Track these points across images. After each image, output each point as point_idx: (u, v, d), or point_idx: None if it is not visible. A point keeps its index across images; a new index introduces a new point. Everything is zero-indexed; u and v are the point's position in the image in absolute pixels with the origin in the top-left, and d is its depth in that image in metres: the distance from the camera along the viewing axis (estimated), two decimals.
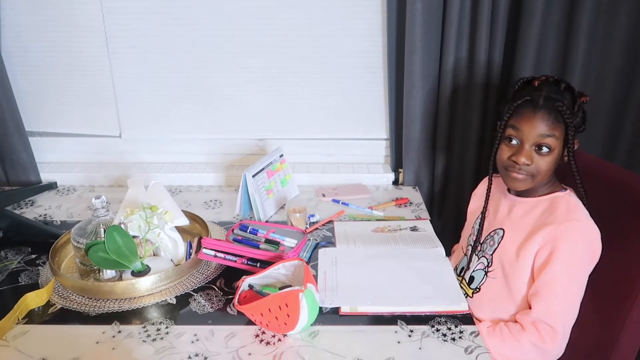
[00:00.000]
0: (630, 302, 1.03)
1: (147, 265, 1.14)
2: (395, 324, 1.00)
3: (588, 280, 1.07)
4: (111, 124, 1.78)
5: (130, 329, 1.00)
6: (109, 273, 1.14)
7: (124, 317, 1.04)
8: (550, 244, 1.04)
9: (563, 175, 1.14)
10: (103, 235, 1.11)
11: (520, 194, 1.16)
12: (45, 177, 1.73)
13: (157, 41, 1.65)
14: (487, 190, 1.21)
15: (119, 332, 1.00)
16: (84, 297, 1.10)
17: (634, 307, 1.03)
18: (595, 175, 1.17)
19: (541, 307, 1.04)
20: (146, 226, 1.10)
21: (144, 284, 1.09)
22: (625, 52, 1.47)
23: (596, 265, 1.07)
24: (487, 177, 1.21)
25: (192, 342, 0.96)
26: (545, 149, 1.04)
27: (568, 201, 1.08)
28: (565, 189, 1.12)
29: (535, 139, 1.04)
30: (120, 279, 1.13)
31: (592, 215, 1.07)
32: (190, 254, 1.22)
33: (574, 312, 1.06)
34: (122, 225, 1.12)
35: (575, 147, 1.07)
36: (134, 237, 1.13)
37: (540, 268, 1.06)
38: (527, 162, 1.05)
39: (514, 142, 1.08)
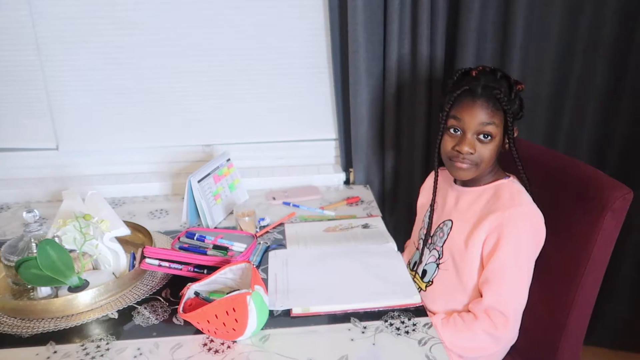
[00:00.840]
0: (576, 284, 1.05)
1: (85, 279, 1.07)
2: (349, 321, 0.98)
3: (535, 266, 1.09)
4: (47, 135, 1.68)
5: (67, 349, 0.93)
6: (44, 291, 1.06)
7: (61, 336, 0.97)
8: (496, 231, 1.05)
9: (506, 165, 1.16)
10: (36, 251, 1.04)
11: (466, 184, 1.17)
12: None
13: (93, 47, 1.58)
14: (434, 182, 1.21)
15: (55, 352, 0.93)
16: (16, 318, 1.02)
17: (580, 289, 1.05)
18: (537, 162, 1.19)
19: (492, 294, 1.05)
20: (82, 238, 1.03)
21: (82, 299, 1.02)
22: (561, 44, 1.52)
23: (542, 250, 1.09)
24: (434, 170, 1.22)
25: (135, 356, 0.91)
26: (486, 137, 1.06)
27: (511, 188, 1.10)
28: (509, 176, 1.14)
29: (476, 128, 1.05)
30: (56, 296, 1.06)
31: (536, 201, 1.09)
32: (134, 266, 1.16)
33: (523, 297, 1.07)
34: (56, 239, 1.05)
35: (515, 134, 1.09)
36: (70, 251, 1.07)
37: (488, 256, 1.06)
38: (470, 151, 1.06)
39: (456, 132, 1.09)
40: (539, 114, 1.60)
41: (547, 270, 1.10)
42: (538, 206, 1.08)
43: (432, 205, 1.22)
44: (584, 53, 1.52)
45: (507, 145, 1.09)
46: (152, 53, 1.60)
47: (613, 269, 1.26)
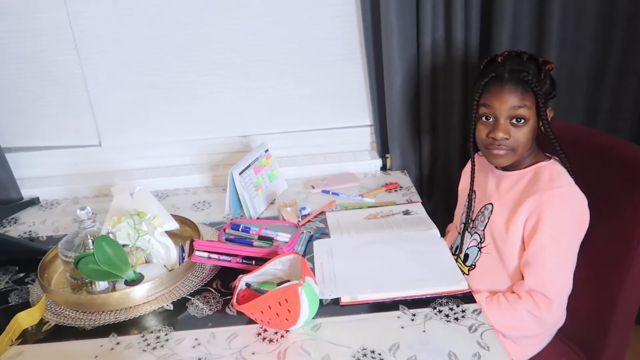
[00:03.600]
0: (626, 267, 1.04)
1: (140, 273, 1.11)
2: (397, 309, 1.00)
3: (581, 249, 1.08)
4: (89, 132, 1.74)
5: (129, 340, 0.98)
6: (101, 285, 1.11)
7: (121, 328, 1.02)
8: (536, 213, 1.05)
9: (548, 147, 1.14)
10: (92, 247, 1.09)
11: (506, 168, 1.16)
12: (27, 193, 1.68)
13: (128, 43, 1.61)
14: (471, 171, 1.21)
15: (118, 343, 0.98)
16: (77, 311, 1.07)
17: (630, 272, 1.04)
18: (579, 143, 1.17)
19: (533, 276, 1.05)
20: (135, 233, 1.07)
21: (138, 292, 1.07)
22: (598, 19, 1.48)
23: (587, 233, 1.08)
24: (471, 159, 1.21)
25: (194, 346, 0.95)
26: (519, 120, 1.05)
27: (551, 170, 1.09)
28: (550, 158, 1.13)
29: (508, 112, 1.05)
30: (113, 289, 1.11)
31: (580, 182, 1.07)
32: (183, 258, 1.20)
33: (567, 279, 1.06)
34: (111, 235, 1.10)
35: (550, 115, 1.08)
36: (123, 245, 1.11)
37: (528, 238, 1.06)
38: (505, 137, 1.06)
39: (488, 119, 1.08)
40: (578, 92, 1.56)
41: (594, 253, 1.09)
42: (581, 188, 1.07)
43: (469, 195, 1.22)
44: (623, 31, 1.47)
45: (542, 127, 1.08)
46: (185, 47, 1.62)
47: None
